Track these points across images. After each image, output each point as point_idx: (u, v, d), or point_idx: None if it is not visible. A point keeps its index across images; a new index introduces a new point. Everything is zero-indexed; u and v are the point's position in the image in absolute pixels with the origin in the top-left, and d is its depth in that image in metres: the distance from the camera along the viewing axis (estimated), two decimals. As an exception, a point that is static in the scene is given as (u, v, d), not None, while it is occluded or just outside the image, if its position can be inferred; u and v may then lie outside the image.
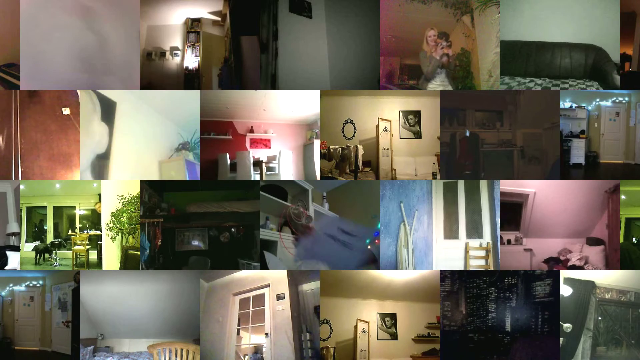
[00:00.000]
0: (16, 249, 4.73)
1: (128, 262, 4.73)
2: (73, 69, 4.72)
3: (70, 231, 5.14)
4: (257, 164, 5.76)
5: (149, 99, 5.00)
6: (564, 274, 4.56)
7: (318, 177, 5.03)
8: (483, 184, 4.88)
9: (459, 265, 4.81)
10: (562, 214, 4.87)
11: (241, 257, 4.82)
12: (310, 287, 4.60)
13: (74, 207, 5.19)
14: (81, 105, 4.54)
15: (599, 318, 4.62)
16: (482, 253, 4.86)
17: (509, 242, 4.94)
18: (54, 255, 4.99)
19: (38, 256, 4.92)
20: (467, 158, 4.84)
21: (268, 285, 4.59)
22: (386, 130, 5.55)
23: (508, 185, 4.71)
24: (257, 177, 5.66)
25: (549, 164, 4.74)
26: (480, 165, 4.88)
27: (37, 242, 4.98)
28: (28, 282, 5.05)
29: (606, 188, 4.70)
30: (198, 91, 4.74)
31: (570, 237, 4.92)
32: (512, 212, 4.87)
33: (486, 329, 4.42)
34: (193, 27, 5.42)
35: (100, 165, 4.63)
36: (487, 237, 4.89)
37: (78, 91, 4.55)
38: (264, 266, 4.54)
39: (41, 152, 4.56)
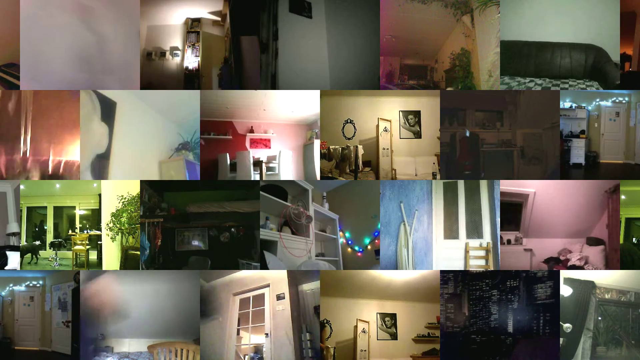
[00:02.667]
0: (16, 249, 4.72)
1: (128, 262, 4.73)
2: (73, 69, 4.72)
3: (70, 231, 5.14)
4: (257, 164, 5.76)
5: (149, 99, 5.00)
6: (564, 274, 4.56)
7: (318, 177, 5.03)
8: (483, 184, 4.88)
9: (459, 265, 4.81)
10: (562, 214, 4.87)
11: (241, 257, 4.82)
12: (310, 287, 4.60)
13: (74, 207, 5.19)
14: (81, 105, 4.54)
15: (599, 318, 4.62)
16: (482, 253, 4.86)
17: (509, 242, 4.94)
18: (54, 255, 4.99)
19: (23, 257, 4.86)
20: (467, 158, 4.84)
21: (268, 285, 4.59)
22: (386, 130, 5.55)
23: (508, 185, 4.71)
24: (257, 177, 5.66)
25: (549, 164, 4.74)
26: (480, 165, 4.87)
27: (23, 244, 4.92)
28: (28, 282, 5.05)
29: (606, 188, 4.70)
30: (198, 91, 4.74)
31: (570, 237, 4.92)
32: (512, 212, 4.87)
33: (489, 330, 4.42)
34: (193, 27, 5.42)
35: (100, 165, 4.63)
36: (487, 237, 4.89)
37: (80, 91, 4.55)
38: (264, 266, 4.54)
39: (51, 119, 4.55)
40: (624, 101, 5.02)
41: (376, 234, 4.75)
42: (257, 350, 4.60)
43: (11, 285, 5.00)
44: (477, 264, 4.82)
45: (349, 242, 5.82)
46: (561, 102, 4.74)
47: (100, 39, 4.72)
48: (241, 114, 6.30)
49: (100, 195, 4.82)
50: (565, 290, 4.51)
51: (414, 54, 4.96)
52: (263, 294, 4.61)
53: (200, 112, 4.73)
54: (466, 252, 4.85)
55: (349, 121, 5.59)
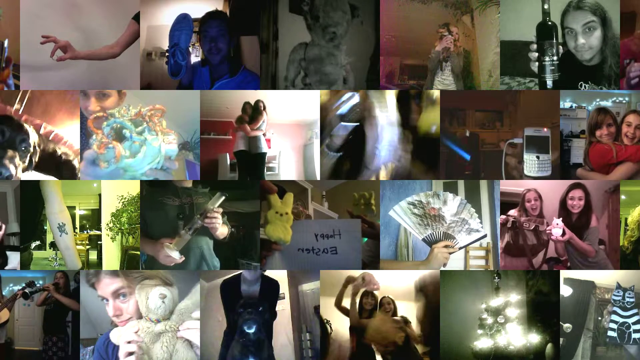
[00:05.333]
0: (16, 249, 4.72)
1: (128, 262, 4.73)
2: (73, 69, 4.73)
3: (70, 231, 5.13)
4: (257, 163, 5.75)
5: (149, 99, 4.99)
6: (564, 274, 4.56)
7: (318, 177, 5.03)
8: (483, 184, 4.88)
9: (459, 265, 4.81)
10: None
11: (241, 257, 4.81)
12: (310, 287, 4.60)
13: (74, 207, 5.19)
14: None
15: (599, 318, 4.62)
16: (482, 253, 4.86)
17: (509, 242, 4.94)
18: (54, 255, 4.98)
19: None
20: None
21: (268, 285, 4.59)
22: (386, 130, 5.54)
23: (508, 185, 4.71)
24: (257, 177, 5.65)
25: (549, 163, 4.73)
26: (480, 165, 4.87)
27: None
28: (28, 282, 5.05)
29: (606, 188, 4.70)
30: (198, 91, 4.75)
31: (570, 237, 4.90)
32: (512, 212, 4.87)
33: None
34: (193, 27, 5.40)
35: (101, 165, 4.61)
36: (487, 237, 4.88)
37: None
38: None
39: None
40: (624, 101, 5.00)
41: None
42: (257, 350, 4.60)
43: (11, 285, 5.00)
44: (477, 264, 4.82)
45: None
46: (561, 102, 4.74)
47: (100, 38, 4.74)
48: (241, 114, 6.27)
49: (100, 195, 4.82)
50: (565, 290, 4.51)
51: (414, 54, 4.95)
52: (263, 294, 4.61)
53: (200, 112, 4.72)
54: (466, 252, 4.85)
55: (349, 121, 5.57)
